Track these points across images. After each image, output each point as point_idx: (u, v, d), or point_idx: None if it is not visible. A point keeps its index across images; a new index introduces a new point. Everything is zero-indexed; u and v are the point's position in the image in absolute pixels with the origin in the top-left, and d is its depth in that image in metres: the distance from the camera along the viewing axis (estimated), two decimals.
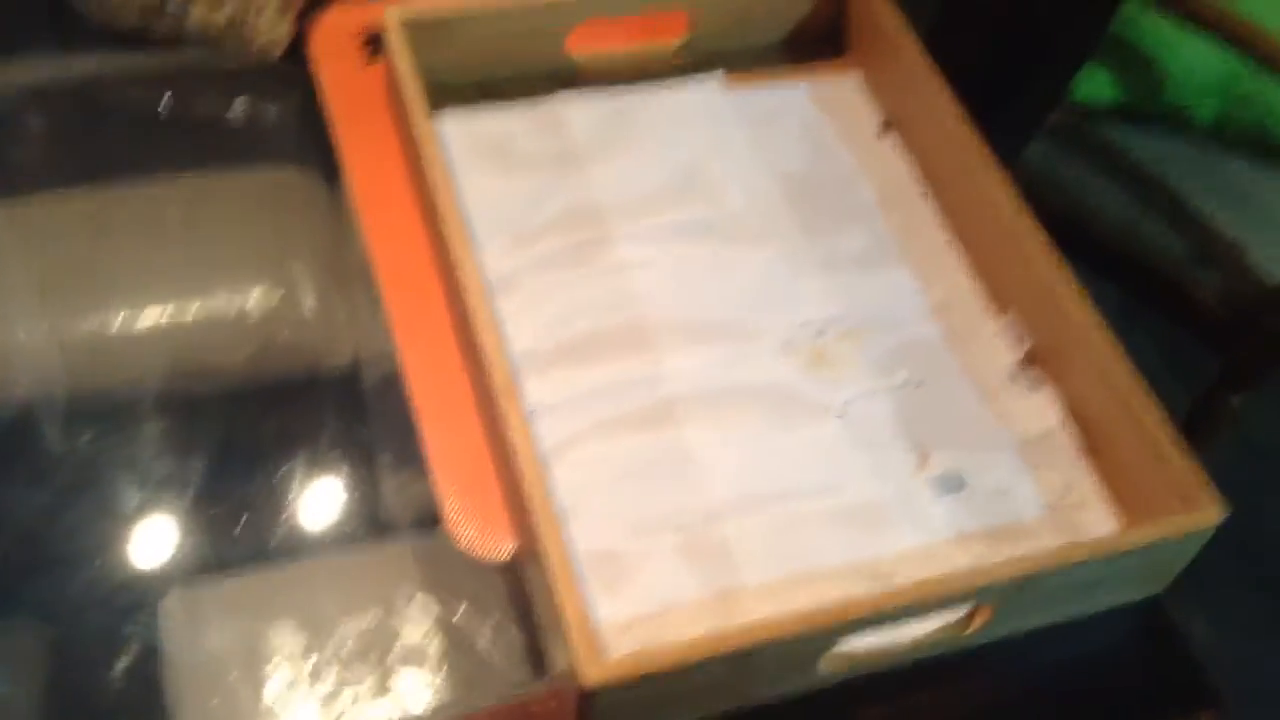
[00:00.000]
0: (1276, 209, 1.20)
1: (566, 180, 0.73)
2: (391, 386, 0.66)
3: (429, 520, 0.62)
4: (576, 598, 0.52)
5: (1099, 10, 0.92)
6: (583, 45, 0.78)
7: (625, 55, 0.80)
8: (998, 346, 0.69)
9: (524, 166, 0.73)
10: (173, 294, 0.70)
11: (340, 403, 0.68)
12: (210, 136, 0.77)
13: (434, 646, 0.60)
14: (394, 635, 0.60)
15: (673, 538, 0.60)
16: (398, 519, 0.64)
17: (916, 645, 0.58)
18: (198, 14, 0.77)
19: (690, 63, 0.80)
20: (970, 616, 0.58)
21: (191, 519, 0.62)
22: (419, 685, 0.58)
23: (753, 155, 0.76)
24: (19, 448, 0.63)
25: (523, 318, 0.67)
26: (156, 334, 0.69)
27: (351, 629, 0.60)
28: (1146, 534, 0.57)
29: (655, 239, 0.71)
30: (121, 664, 0.58)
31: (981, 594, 0.55)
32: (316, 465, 0.65)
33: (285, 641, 0.59)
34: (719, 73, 0.80)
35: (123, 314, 0.69)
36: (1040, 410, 0.66)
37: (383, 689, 0.58)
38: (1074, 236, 1.21)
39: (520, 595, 0.60)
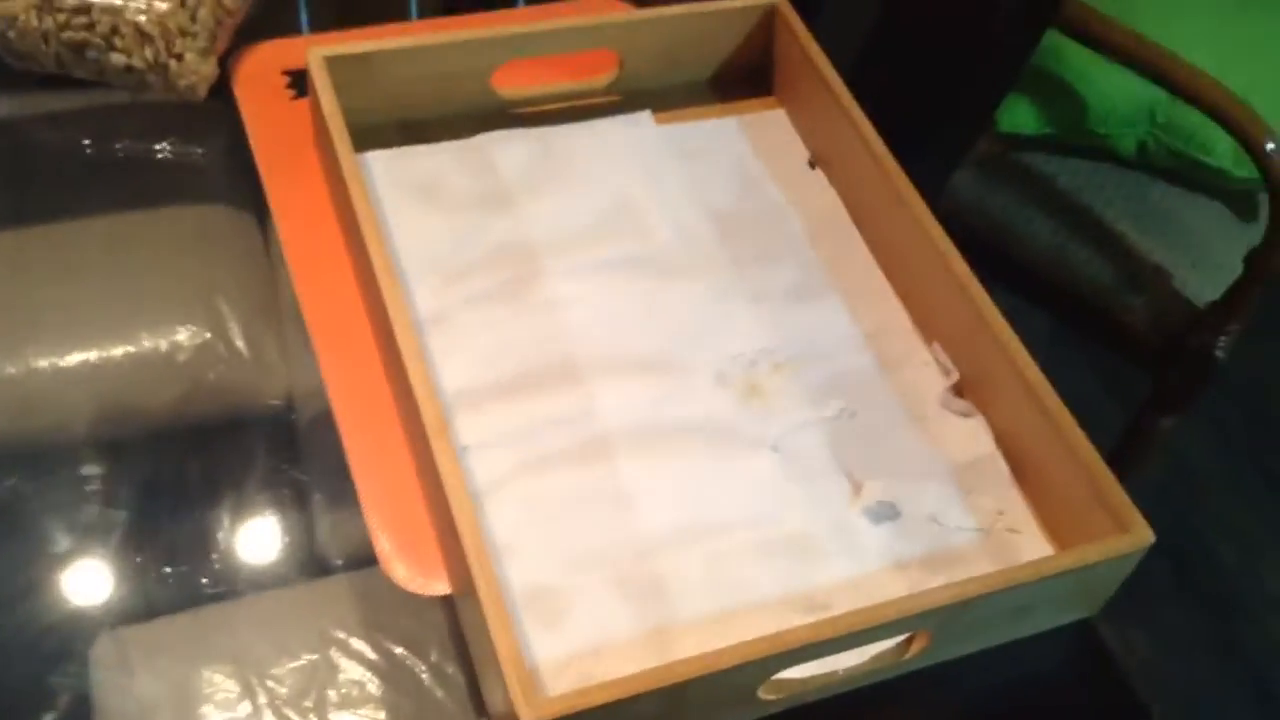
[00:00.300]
0: (1201, 233, 1.23)
1: (496, 218, 0.73)
2: (325, 424, 0.65)
3: (365, 559, 0.61)
4: (511, 638, 0.52)
5: (1020, 43, 0.94)
6: (510, 83, 0.78)
7: (553, 93, 0.80)
8: (929, 375, 0.69)
9: (453, 204, 0.73)
10: (97, 335, 0.69)
11: (272, 442, 0.68)
12: (135, 176, 0.77)
13: (372, 686, 0.59)
14: (331, 675, 0.59)
15: (608, 573, 0.59)
16: (333, 557, 0.64)
17: (856, 673, 0.58)
18: (118, 57, 0.76)
19: (619, 100, 0.81)
20: (908, 643, 0.58)
21: (121, 562, 0.61)
22: None
23: (682, 191, 0.76)
24: None
25: (454, 355, 0.66)
26: (81, 375, 0.68)
27: (288, 670, 0.59)
28: (1079, 556, 0.57)
29: (586, 275, 0.71)
30: (50, 715, 0.57)
31: (918, 620, 0.55)
32: (248, 505, 0.64)
33: (220, 685, 0.58)
34: (648, 110, 0.80)
35: (45, 356, 0.68)
36: (972, 437, 0.67)
37: None
38: (1002, 264, 1.23)
39: (458, 632, 0.60)
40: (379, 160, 0.74)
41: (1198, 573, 1.43)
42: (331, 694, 0.59)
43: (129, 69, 0.76)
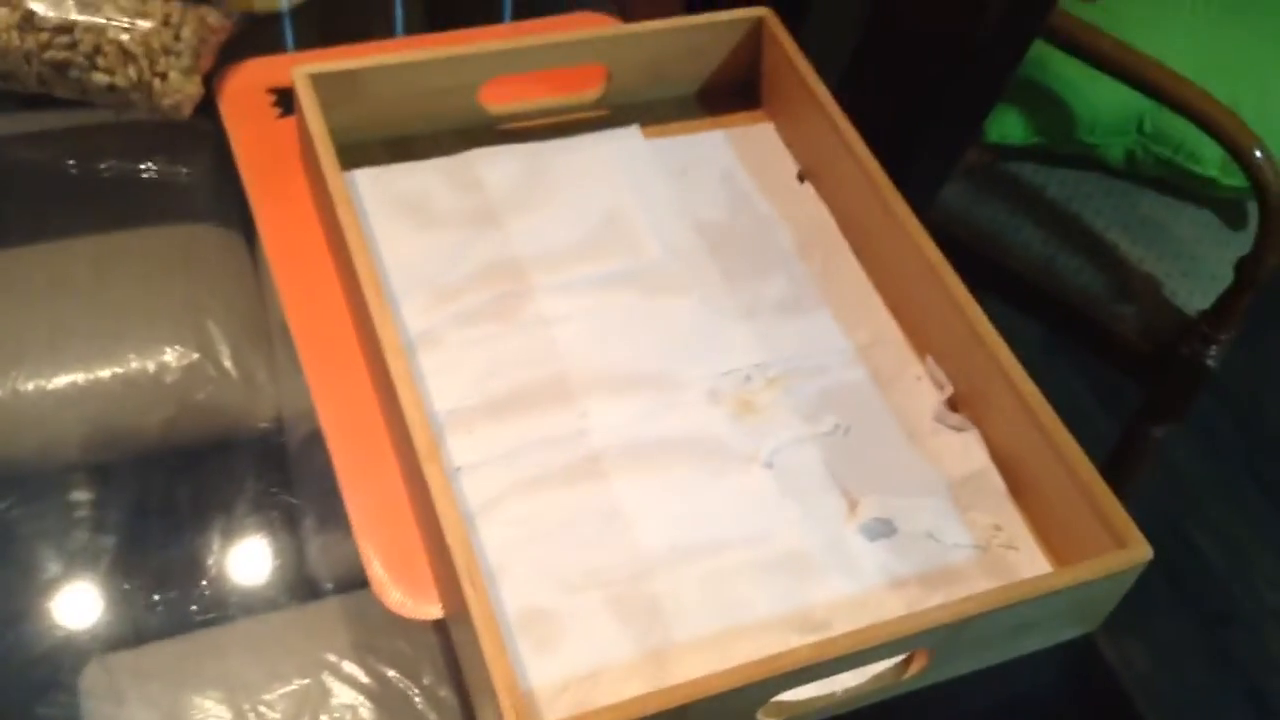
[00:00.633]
0: (1190, 241, 1.22)
1: (485, 235, 0.72)
2: (315, 445, 0.65)
3: (356, 581, 0.60)
4: (505, 662, 0.51)
5: (1007, 53, 0.94)
6: (498, 98, 0.77)
7: (541, 108, 0.79)
8: (922, 390, 0.69)
9: (441, 222, 0.73)
10: (84, 356, 0.68)
11: (261, 463, 0.67)
12: (120, 196, 0.76)
13: (365, 710, 0.59)
14: (324, 700, 0.58)
15: (603, 594, 0.59)
16: (324, 580, 0.63)
17: (856, 693, 0.57)
18: (101, 76, 0.75)
19: (607, 115, 0.80)
20: (907, 662, 0.58)
21: (109, 588, 0.61)
22: None
23: (671, 205, 0.76)
24: None
25: (444, 375, 0.66)
26: (68, 397, 0.67)
27: (279, 695, 0.58)
28: (1078, 574, 0.57)
29: (576, 291, 0.70)
30: None
31: (917, 640, 0.55)
32: (238, 528, 0.64)
33: (211, 711, 0.58)
34: (636, 125, 0.80)
35: (32, 378, 0.67)
36: (967, 452, 0.66)
37: None
38: (992, 274, 1.23)
39: (452, 654, 0.59)
40: (366, 178, 0.74)
41: (1192, 583, 1.43)
42: (324, 718, 0.58)
43: (112, 88, 0.76)
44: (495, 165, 0.76)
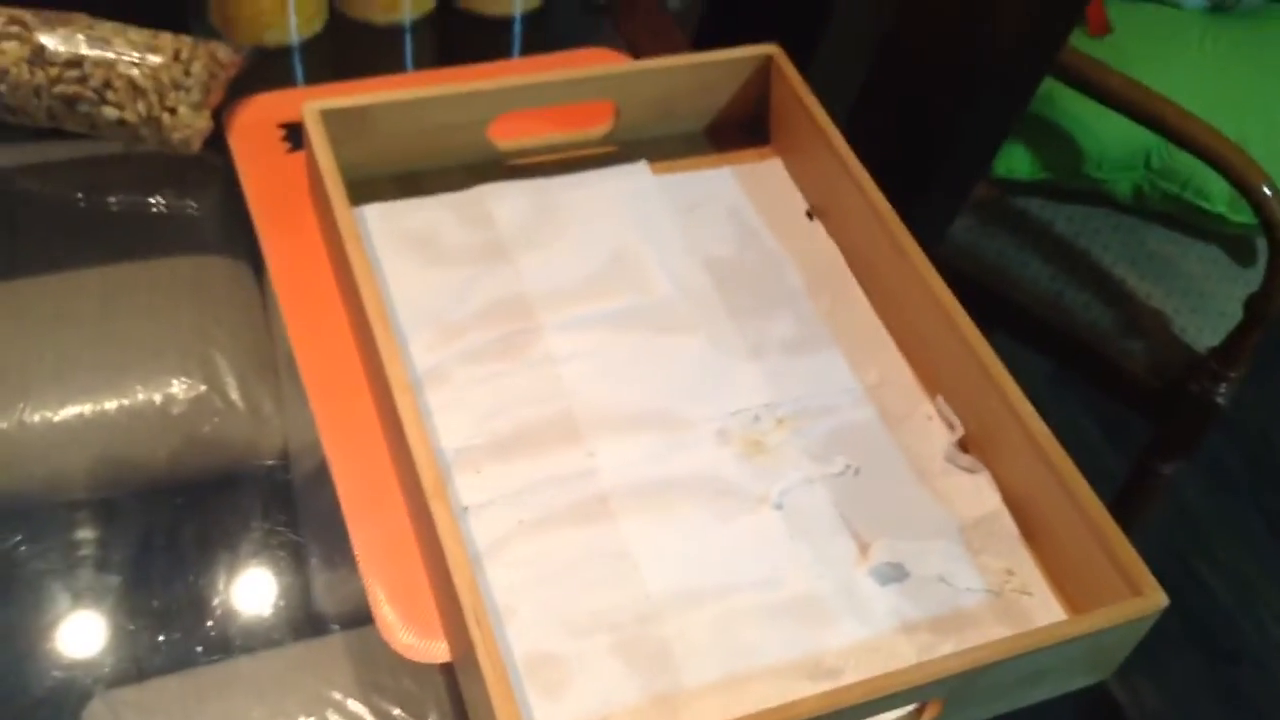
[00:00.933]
0: (1199, 277, 1.22)
1: (493, 271, 0.72)
2: (321, 478, 0.64)
3: (362, 618, 0.60)
4: (513, 708, 0.50)
5: (1018, 89, 0.94)
6: (506, 134, 0.77)
7: (550, 144, 0.79)
8: (933, 430, 0.68)
9: (449, 258, 0.72)
10: (90, 388, 0.68)
11: (267, 497, 0.67)
12: (128, 229, 0.76)
13: None
14: None
15: (611, 637, 0.58)
16: (329, 617, 0.63)
17: None
18: (111, 110, 0.75)
19: (615, 151, 0.80)
20: (919, 710, 0.57)
21: (113, 623, 0.60)
22: None
23: (680, 242, 0.75)
24: None
25: (451, 412, 0.65)
26: (74, 429, 0.67)
27: None
28: (1095, 621, 0.56)
29: (584, 328, 0.70)
30: None
31: (931, 689, 0.54)
32: (243, 563, 0.63)
33: None
34: (644, 161, 0.79)
35: (38, 410, 0.67)
36: (978, 494, 0.66)
37: None
38: (999, 309, 1.23)
39: (457, 693, 0.59)
40: (375, 213, 0.74)
41: (1202, 620, 1.42)
42: None
43: (122, 122, 0.76)
44: (503, 201, 0.75)
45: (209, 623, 0.61)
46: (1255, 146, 1.10)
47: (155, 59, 0.75)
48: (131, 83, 0.75)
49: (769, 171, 0.81)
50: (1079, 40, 1.21)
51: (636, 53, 0.89)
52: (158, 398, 0.68)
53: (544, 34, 0.93)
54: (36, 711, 0.57)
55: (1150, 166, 1.20)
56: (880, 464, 0.67)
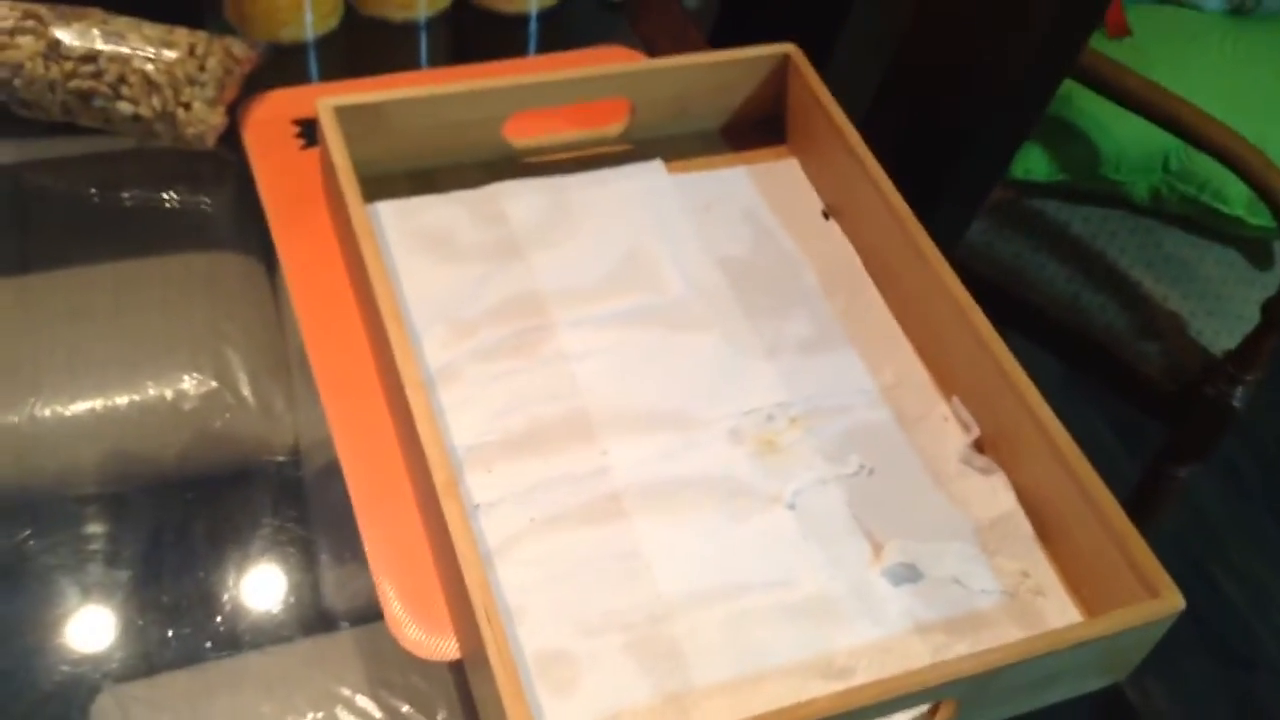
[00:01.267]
0: (1216, 280, 1.22)
1: (506, 269, 0.72)
2: (332, 475, 0.64)
3: (371, 614, 0.60)
4: (523, 707, 0.50)
5: (1038, 90, 0.93)
6: (521, 132, 0.77)
7: (565, 142, 0.79)
8: (948, 431, 0.68)
9: (463, 255, 0.72)
10: (102, 383, 0.68)
11: (278, 494, 0.67)
12: (141, 224, 0.76)
13: None
14: None
15: (622, 637, 0.58)
16: (339, 613, 0.63)
17: None
18: (125, 105, 0.75)
19: (630, 149, 0.80)
20: (933, 711, 0.57)
21: (122, 618, 0.60)
22: None
23: (694, 241, 0.75)
24: None
25: (463, 410, 0.65)
26: (86, 424, 0.67)
27: None
28: (1111, 623, 0.56)
29: (598, 327, 0.70)
30: None
31: (944, 690, 0.54)
32: (253, 560, 0.63)
33: None
34: (659, 160, 0.79)
35: (50, 404, 0.67)
36: (994, 495, 0.65)
37: None
38: (1015, 311, 1.22)
39: (467, 689, 0.58)
40: (389, 210, 0.73)
41: (1216, 625, 1.42)
42: None
43: (136, 117, 0.76)
44: (518, 199, 0.75)
45: (218, 618, 0.61)
46: (1274, 149, 1.09)
47: (170, 54, 0.75)
48: (146, 78, 0.75)
49: (785, 171, 0.81)
50: (1098, 42, 1.21)
51: (652, 51, 0.88)
52: (169, 393, 0.68)
53: (559, 32, 0.93)
54: (45, 705, 0.57)
55: (1168, 169, 1.20)
56: (895, 464, 0.66)
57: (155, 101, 0.75)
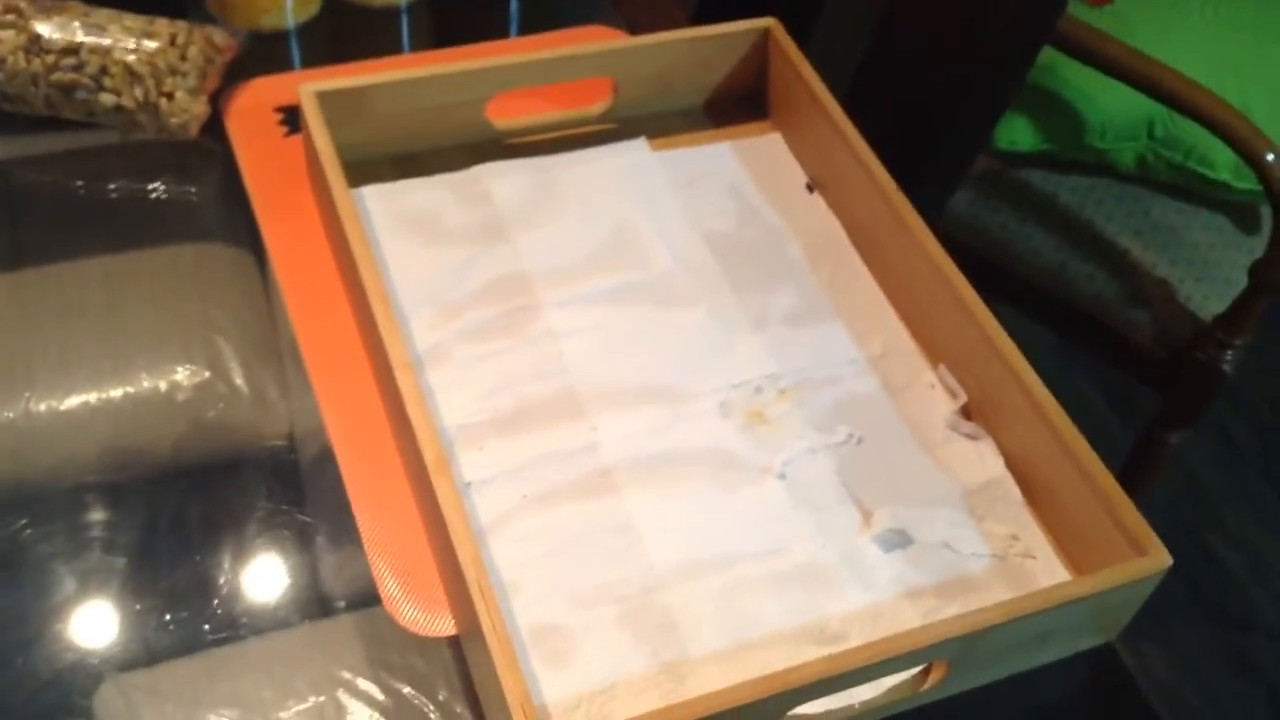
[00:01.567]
0: (1203, 246, 1.22)
1: (492, 250, 0.72)
2: (326, 461, 0.64)
3: (370, 597, 0.60)
4: (519, 678, 0.51)
5: (1017, 59, 0.93)
6: (504, 113, 0.77)
7: (548, 123, 0.79)
8: (936, 398, 0.68)
9: (449, 237, 0.72)
10: (95, 376, 0.68)
11: (273, 481, 0.67)
12: (129, 216, 0.76)
13: None
14: (339, 718, 0.58)
15: (616, 609, 0.58)
16: (337, 597, 0.63)
17: (873, 705, 0.57)
18: (108, 96, 0.75)
19: (614, 128, 0.80)
20: (925, 673, 0.57)
21: (122, 608, 0.60)
22: None
23: (680, 217, 0.75)
24: None
25: (453, 390, 0.65)
26: (80, 417, 0.67)
27: (294, 713, 0.58)
28: (1097, 582, 0.56)
29: (585, 305, 0.70)
30: None
31: (935, 651, 0.54)
32: (250, 546, 0.64)
33: None
34: (643, 137, 0.79)
35: (43, 399, 0.67)
36: (981, 461, 0.66)
37: None
38: (1003, 281, 1.23)
39: (466, 670, 0.59)
40: (374, 194, 0.74)
41: (1211, 589, 1.42)
42: None
43: (119, 109, 0.76)
44: (502, 180, 0.75)
45: (217, 605, 0.61)
46: (1259, 113, 1.09)
47: (151, 44, 0.75)
48: (128, 69, 0.75)
49: (768, 145, 0.81)
50: (1080, 10, 1.21)
51: (635, 30, 0.88)
52: (162, 385, 0.68)
53: (541, 13, 0.93)
54: (48, 695, 0.57)
55: (1153, 135, 1.20)
56: (883, 433, 0.67)
57: (138, 92, 0.75)
